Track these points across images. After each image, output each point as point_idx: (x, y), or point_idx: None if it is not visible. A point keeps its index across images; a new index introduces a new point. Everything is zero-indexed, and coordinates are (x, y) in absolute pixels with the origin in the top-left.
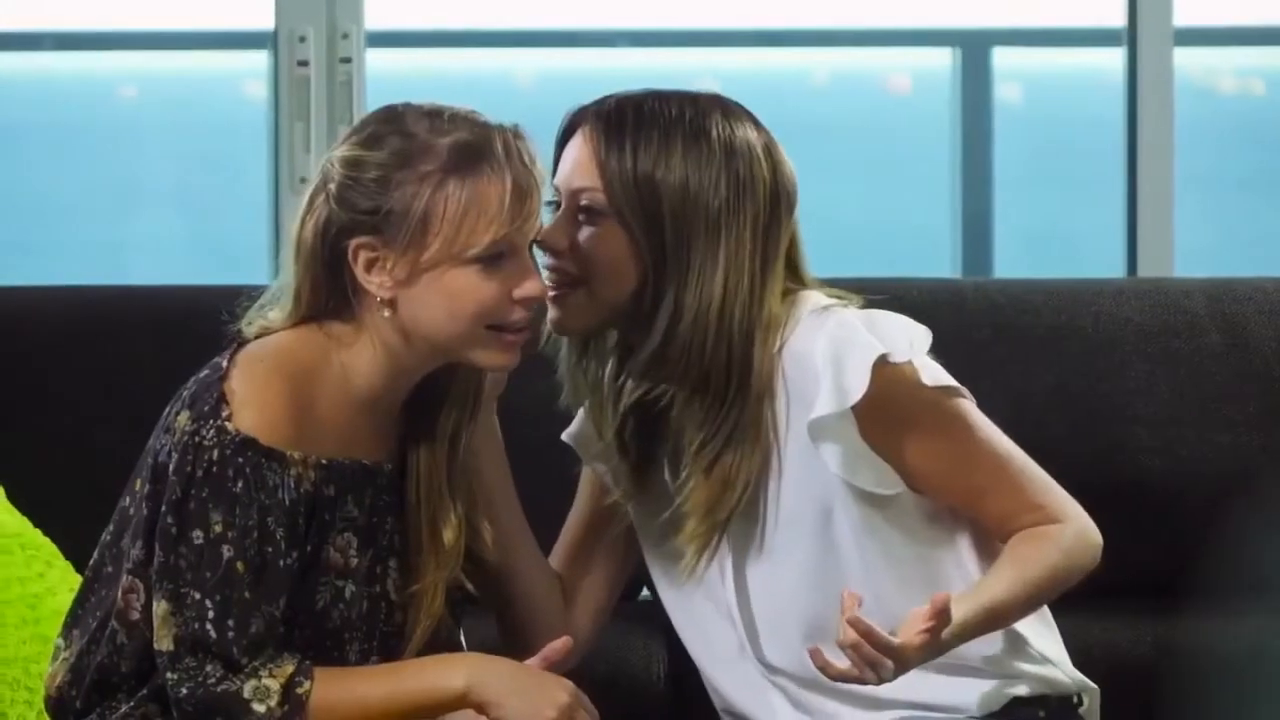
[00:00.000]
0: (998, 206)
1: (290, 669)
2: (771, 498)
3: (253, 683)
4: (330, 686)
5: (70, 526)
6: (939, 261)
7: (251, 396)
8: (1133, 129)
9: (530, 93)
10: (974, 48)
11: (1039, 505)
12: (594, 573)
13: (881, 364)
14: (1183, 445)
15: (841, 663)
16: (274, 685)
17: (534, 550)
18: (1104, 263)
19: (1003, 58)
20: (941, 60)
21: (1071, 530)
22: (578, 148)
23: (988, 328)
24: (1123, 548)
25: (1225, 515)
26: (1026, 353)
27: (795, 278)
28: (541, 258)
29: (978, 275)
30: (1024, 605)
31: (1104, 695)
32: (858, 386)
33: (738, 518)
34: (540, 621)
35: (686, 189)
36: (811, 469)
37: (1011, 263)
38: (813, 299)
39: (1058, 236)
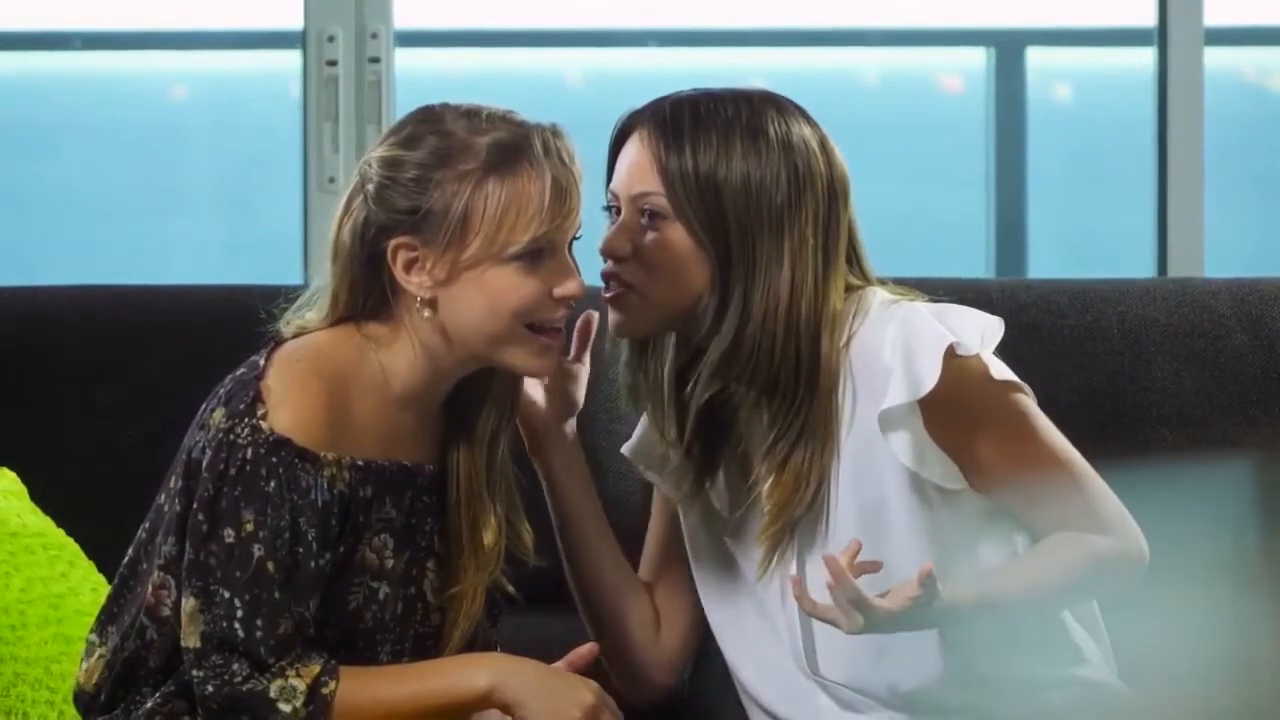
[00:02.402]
0: (1033, 207)
1: (316, 669)
2: (831, 490)
3: (279, 682)
4: (355, 686)
5: (96, 527)
6: (974, 262)
7: (287, 396)
8: (1163, 129)
9: (558, 91)
10: (1008, 47)
11: (1093, 514)
12: (679, 590)
13: (950, 355)
14: (1208, 445)
15: (824, 599)
16: (300, 685)
17: (625, 567)
18: (1139, 263)
19: (1038, 57)
20: (976, 60)
21: (1114, 547)
22: (636, 151)
23: (1013, 328)
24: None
25: (1252, 515)
26: (1052, 353)
27: (860, 274)
28: (600, 263)
29: (1011, 276)
30: (1031, 606)
31: None
32: (930, 377)
33: (807, 515)
34: (633, 639)
35: (748, 187)
36: (866, 463)
37: (1048, 263)
38: (880, 294)
39: (1094, 237)
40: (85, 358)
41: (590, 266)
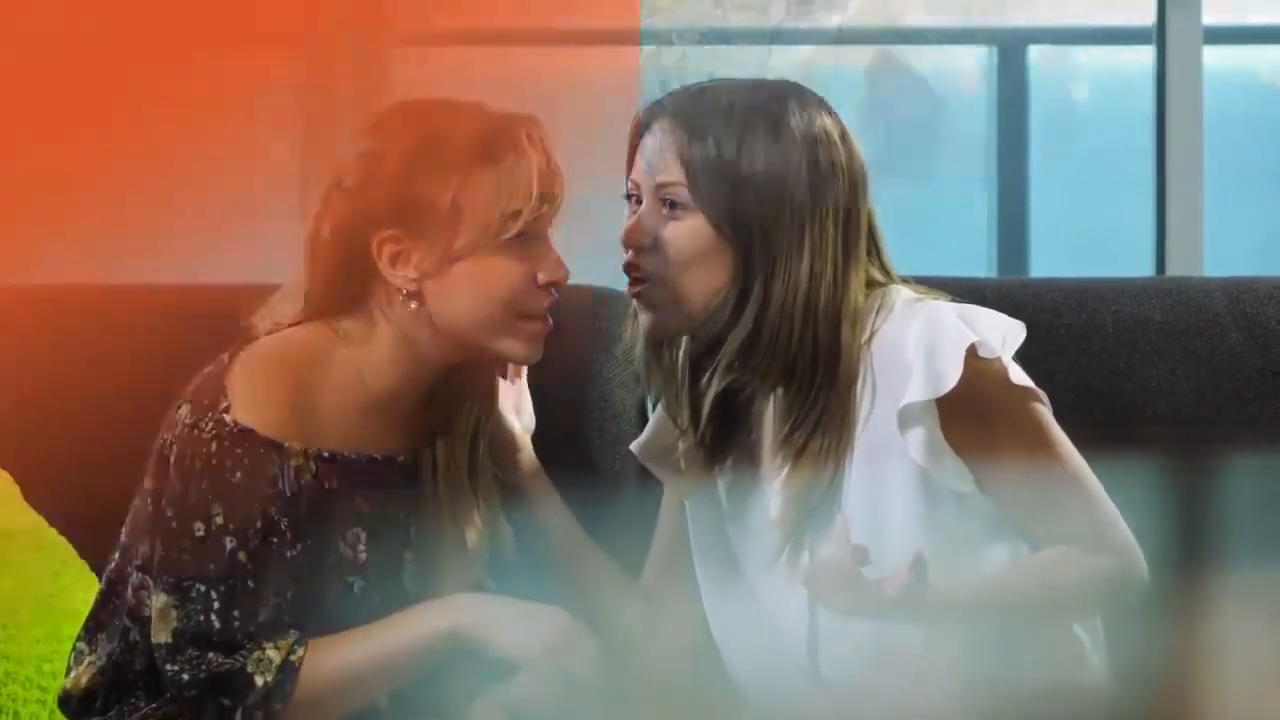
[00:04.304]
0: (1035, 205)
1: (291, 640)
2: (845, 483)
3: (256, 654)
4: (322, 652)
5: (92, 527)
6: (976, 261)
7: (251, 389)
8: (1161, 128)
9: (570, 92)
10: (1011, 46)
11: (1097, 531)
12: (683, 590)
13: (971, 355)
14: (1203, 444)
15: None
16: (276, 657)
17: (613, 572)
18: (1141, 263)
19: (1040, 56)
20: (978, 59)
21: (1115, 567)
22: (657, 142)
23: None
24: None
25: (1246, 514)
26: (1048, 352)
27: (880, 267)
28: (621, 255)
29: (1013, 274)
30: (1025, 617)
31: None
32: (950, 376)
33: (820, 506)
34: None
35: (770, 178)
36: (880, 458)
37: (1052, 263)
38: (904, 292)
39: (1096, 236)
40: (84, 357)
41: (611, 259)
